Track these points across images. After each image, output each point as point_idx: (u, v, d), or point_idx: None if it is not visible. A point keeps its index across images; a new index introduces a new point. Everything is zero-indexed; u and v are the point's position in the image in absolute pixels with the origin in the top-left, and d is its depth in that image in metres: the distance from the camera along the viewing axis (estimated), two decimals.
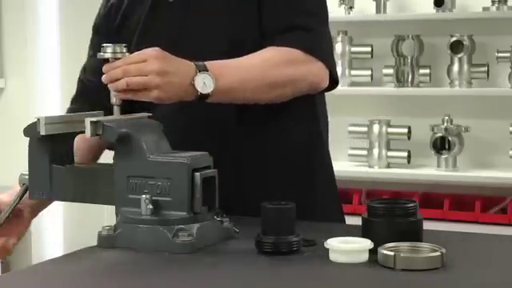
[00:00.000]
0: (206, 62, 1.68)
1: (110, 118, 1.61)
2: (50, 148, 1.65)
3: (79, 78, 2.04)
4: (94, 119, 1.55)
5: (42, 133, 1.60)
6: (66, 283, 1.40)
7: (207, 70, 1.67)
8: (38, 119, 1.60)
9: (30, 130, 1.63)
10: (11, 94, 4.07)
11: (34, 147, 1.66)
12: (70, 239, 4.09)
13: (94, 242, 1.58)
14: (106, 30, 1.95)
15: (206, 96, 1.67)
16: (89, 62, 2.01)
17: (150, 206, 1.52)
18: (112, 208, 1.60)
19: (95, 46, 1.99)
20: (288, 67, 1.78)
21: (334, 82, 1.86)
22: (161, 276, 1.40)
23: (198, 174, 1.53)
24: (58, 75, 4.06)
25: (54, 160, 1.65)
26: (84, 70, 2.03)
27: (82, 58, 2.06)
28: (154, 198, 1.53)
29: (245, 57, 1.76)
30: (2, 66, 4.06)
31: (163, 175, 1.54)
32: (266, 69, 1.77)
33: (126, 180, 1.57)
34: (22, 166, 4.20)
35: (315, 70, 1.82)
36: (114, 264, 1.48)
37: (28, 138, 1.67)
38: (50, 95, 4.04)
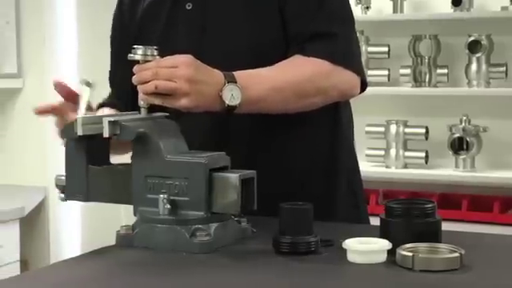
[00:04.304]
0: (234, 73, 1.67)
1: (128, 117, 1.61)
2: (87, 148, 1.63)
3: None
4: (112, 119, 1.55)
5: (80, 133, 1.57)
6: (84, 282, 1.40)
7: (235, 81, 1.66)
8: (76, 119, 1.58)
9: (67, 131, 1.61)
10: (29, 94, 4.08)
11: (70, 148, 1.64)
12: (88, 239, 4.10)
13: (111, 242, 1.59)
14: (123, 41, 1.94)
15: (234, 107, 1.66)
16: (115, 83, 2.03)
17: (168, 206, 1.53)
18: (129, 208, 1.60)
19: (115, 59, 2.00)
20: (317, 78, 1.77)
21: (363, 84, 1.86)
22: (178, 275, 1.40)
23: (237, 176, 1.52)
24: (76, 74, 4.07)
25: (91, 160, 1.64)
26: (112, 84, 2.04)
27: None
28: (171, 197, 1.53)
29: (273, 67, 1.75)
30: (20, 66, 4.07)
31: (181, 175, 1.54)
32: (294, 80, 1.75)
33: (144, 180, 1.57)
34: (40, 164, 4.22)
35: (345, 79, 1.81)
36: (132, 263, 1.48)
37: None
38: None
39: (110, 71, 2.05)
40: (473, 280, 1.35)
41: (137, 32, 1.92)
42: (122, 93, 1.95)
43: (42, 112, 1.80)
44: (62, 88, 1.77)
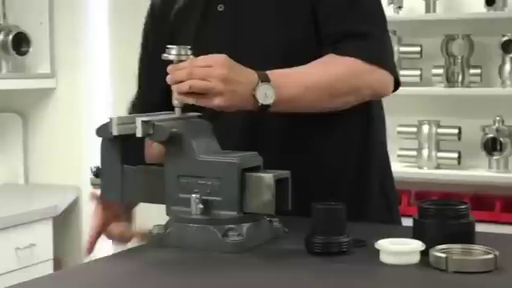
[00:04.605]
0: (267, 72, 1.67)
1: (161, 117, 1.62)
2: (122, 148, 1.63)
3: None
4: (145, 119, 1.56)
5: (115, 133, 1.57)
6: (117, 281, 1.41)
7: (269, 81, 1.66)
8: (111, 119, 1.58)
9: (103, 131, 1.60)
10: (62, 94, 4.11)
11: (105, 148, 1.64)
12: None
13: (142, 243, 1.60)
14: (156, 43, 1.94)
15: (267, 106, 1.66)
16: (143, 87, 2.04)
17: (200, 206, 1.53)
18: (161, 207, 1.61)
19: (146, 61, 2.01)
20: (350, 77, 1.77)
21: (396, 83, 1.85)
22: (210, 275, 1.41)
23: (271, 176, 1.51)
24: (109, 75, 4.09)
25: (126, 160, 1.64)
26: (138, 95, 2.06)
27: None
28: (203, 197, 1.54)
29: (306, 66, 1.75)
30: (53, 67, 4.10)
31: (213, 175, 1.54)
32: (328, 79, 1.75)
33: (177, 179, 1.57)
34: (73, 164, 4.25)
35: (379, 78, 1.80)
36: (164, 263, 1.49)
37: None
38: (101, 95, 4.07)
39: (139, 73, 2.05)
40: (508, 282, 1.34)
41: (169, 34, 1.92)
42: (153, 94, 1.95)
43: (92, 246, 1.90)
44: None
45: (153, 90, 1.96)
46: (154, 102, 1.92)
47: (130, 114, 2.00)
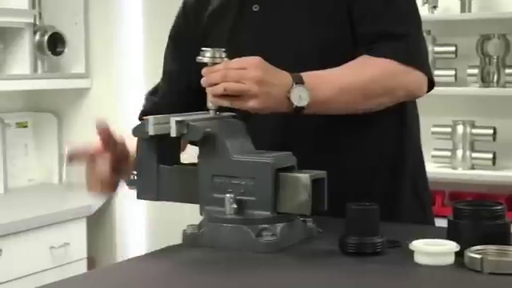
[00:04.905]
0: (302, 74, 1.67)
1: (194, 117, 1.62)
2: (158, 148, 1.63)
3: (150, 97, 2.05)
4: (179, 118, 1.56)
5: (151, 133, 1.58)
6: (151, 280, 1.41)
7: (303, 83, 1.65)
8: (147, 119, 1.58)
9: (138, 130, 1.61)
10: (97, 94, 4.14)
11: (142, 147, 1.65)
12: (153, 238, 4.14)
13: (177, 241, 1.60)
14: (186, 42, 1.95)
15: (302, 108, 1.66)
16: (165, 84, 2.03)
17: (234, 206, 1.53)
18: (194, 207, 1.61)
19: (173, 58, 2.01)
20: (385, 78, 1.76)
21: (430, 83, 1.84)
22: (244, 275, 1.41)
23: (307, 176, 1.51)
24: (143, 74, 4.11)
25: (162, 160, 1.64)
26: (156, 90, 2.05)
27: None
28: (237, 197, 1.54)
29: (340, 67, 1.75)
30: (88, 67, 4.13)
31: (247, 175, 1.54)
32: (362, 80, 1.74)
33: (211, 179, 1.57)
34: None
35: (413, 79, 1.79)
36: (198, 262, 1.49)
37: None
38: (136, 94, 4.09)
39: (164, 70, 2.05)
40: None
41: (203, 35, 1.93)
42: (172, 94, 1.96)
43: (76, 156, 1.76)
44: (102, 132, 1.71)
45: (174, 89, 1.96)
46: (171, 101, 1.93)
47: (143, 105, 2.02)
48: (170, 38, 2.04)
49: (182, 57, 1.97)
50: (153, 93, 2.06)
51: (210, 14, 1.94)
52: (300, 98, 1.65)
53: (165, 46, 2.06)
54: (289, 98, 1.64)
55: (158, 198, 1.66)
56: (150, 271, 1.46)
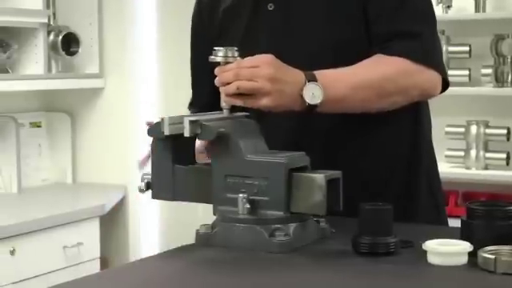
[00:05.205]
0: (315, 72, 1.67)
1: (208, 117, 1.62)
2: (173, 148, 1.63)
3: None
4: (192, 118, 1.56)
5: (166, 133, 1.58)
6: (164, 280, 1.42)
7: (316, 81, 1.65)
8: (162, 119, 1.59)
9: (154, 130, 1.62)
10: (111, 94, 4.15)
11: (157, 147, 1.65)
12: (166, 237, 4.14)
13: (190, 241, 1.60)
14: (204, 41, 1.95)
15: (315, 106, 1.66)
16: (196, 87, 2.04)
17: (247, 205, 1.53)
18: (207, 207, 1.61)
19: (196, 59, 2.01)
20: (399, 77, 1.76)
21: (445, 83, 1.84)
22: (257, 275, 1.41)
23: (322, 176, 1.51)
24: (157, 74, 4.12)
25: (177, 160, 1.64)
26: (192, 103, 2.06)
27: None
28: (251, 197, 1.54)
29: (354, 66, 1.74)
30: (102, 67, 4.14)
31: (260, 175, 1.54)
32: (376, 78, 1.74)
33: (224, 179, 1.58)
34: (120, 163, 4.28)
35: (428, 78, 1.79)
36: (211, 262, 1.49)
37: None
38: (149, 95, 4.10)
39: (191, 74, 2.06)
40: None
41: (217, 33, 1.93)
42: (203, 95, 1.96)
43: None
44: None
45: (203, 89, 1.96)
46: (203, 102, 1.93)
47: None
48: (191, 41, 2.04)
49: (201, 57, 1.97)
50: (190, 105, 2.06)
51: (224, 11, 1.94)
52: (313, 95, 1.65)
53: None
54: (302, 96, 1.64)
55: (173, 198, 1.66)
56: (164, 271, 1.46)
